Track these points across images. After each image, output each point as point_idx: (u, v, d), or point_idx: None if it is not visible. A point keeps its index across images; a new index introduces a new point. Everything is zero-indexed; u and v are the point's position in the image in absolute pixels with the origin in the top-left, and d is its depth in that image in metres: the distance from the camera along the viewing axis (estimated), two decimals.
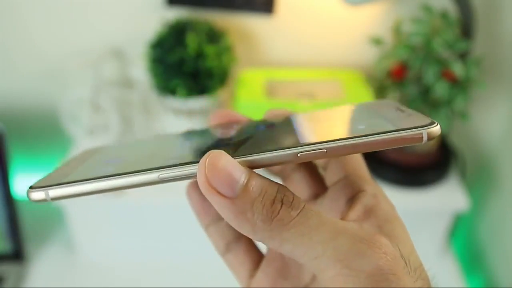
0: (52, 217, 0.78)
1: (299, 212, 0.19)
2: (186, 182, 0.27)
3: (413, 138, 0.19)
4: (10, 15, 0.72)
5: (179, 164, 0.20)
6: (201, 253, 0.74)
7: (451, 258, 0.75)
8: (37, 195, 0.21)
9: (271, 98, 0.67)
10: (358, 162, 0.25)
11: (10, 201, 0.69)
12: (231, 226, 0.25)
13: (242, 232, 0.20)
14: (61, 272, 0.72)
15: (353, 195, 0.24)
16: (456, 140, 0.78)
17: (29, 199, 0.21)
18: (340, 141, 0.20)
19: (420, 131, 0.19)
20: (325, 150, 0.20)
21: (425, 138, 0.19)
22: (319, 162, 0.26)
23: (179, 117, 0.68)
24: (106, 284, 0.70)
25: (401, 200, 0.67)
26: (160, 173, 0.20)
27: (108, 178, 0.21)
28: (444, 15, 0.62)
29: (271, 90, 0.69)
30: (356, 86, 0.68)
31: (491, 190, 0.75)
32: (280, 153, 0.20)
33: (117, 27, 0.73)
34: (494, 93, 0.72)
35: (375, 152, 0.71)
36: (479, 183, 0.79)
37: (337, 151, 0.20)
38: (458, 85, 0.62)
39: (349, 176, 0.24)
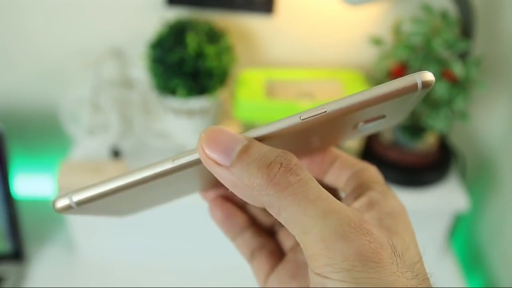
0: (52, 217, 0.78)
1: (299, 180, 0.19)
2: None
3: (408, 86, 0.19)
4: (10, 15, 0.72)
5: (192, 150, 0.21)
6: (200, 253, 0.74)
7: (451, 258, 0.75)
8: (61, 201, 0.21)
9: (271, 98, 0.67)
10: (374, 173, 0.25)
11: (10, 201, 0.69)
12: (255, 236, 0.27)
13: (245, 200, 0.21)
14: (61, 272, 0.72)
15: (359, 194, 0.24)
16: (456, 140, 0.78)
17: (55, 209, 0.21)
18: (339, 100, 0.20)
19: (413, 77, 0.19)
20: (325, 110, 0.20)
21: (419, 83, 0.19)
22: (340, 184, 0.26)
23: (179, 117, 0.68)
24: (106, 284, 0.70)
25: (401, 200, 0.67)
26: (174, 158, 0.21)
27: (127, 174, 0.21)
28: (444, 15, 0.62)
29: (271, 90, 0.69)
30: (356, 86, 0.68)
31: (491, 190, 0.75)
32: (283, 120, 0.20)
33: (117, 27, 0.73)
34: (494, 93, 0.72)
35: (375, 152, 0.71)
36: (479, 183, 0.79)
37: (337, 109, 0.20)
38: (458, 85, 0.62)
39: (360, 182, 0.25)
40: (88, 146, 0.72)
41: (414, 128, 0.68)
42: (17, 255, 0.72)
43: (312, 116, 0.20)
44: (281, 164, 0.19)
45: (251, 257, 0.27)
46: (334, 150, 0.26)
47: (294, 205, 0.19)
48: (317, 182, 0.20)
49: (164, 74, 0.63)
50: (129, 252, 0.74)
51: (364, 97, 0.20)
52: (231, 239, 0.28)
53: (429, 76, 0.19)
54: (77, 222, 0.71)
